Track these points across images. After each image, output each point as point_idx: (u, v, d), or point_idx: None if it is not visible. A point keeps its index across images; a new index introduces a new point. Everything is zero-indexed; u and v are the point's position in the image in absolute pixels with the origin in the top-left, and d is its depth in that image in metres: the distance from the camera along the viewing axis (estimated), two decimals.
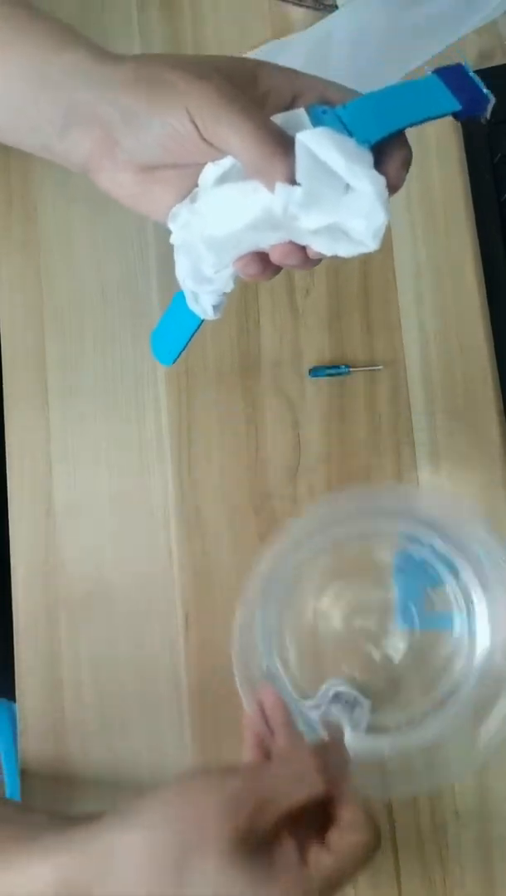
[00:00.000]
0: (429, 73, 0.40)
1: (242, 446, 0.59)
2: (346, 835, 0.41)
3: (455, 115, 0.40)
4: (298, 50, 0.63)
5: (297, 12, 0.65)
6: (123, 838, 0.40)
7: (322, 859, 0.40)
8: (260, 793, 0.40)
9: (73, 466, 0.60)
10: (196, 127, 0.38)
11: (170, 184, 0.41)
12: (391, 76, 0.62)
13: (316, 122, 0.39)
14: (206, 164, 0.40)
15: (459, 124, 0.62)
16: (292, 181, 0.37)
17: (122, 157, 0.40)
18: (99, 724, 0.57)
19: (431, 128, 0.62)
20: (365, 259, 0.61)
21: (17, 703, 0.58)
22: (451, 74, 0.40)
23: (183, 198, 0.42)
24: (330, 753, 0.43)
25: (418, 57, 0.62)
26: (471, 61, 0.63)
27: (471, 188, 0.61)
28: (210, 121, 0.37)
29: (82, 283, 0.62)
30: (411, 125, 0.39)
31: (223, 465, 0.59)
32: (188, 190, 0.41)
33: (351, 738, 0.48)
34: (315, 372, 0.60)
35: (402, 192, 0.61)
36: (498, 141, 0.60)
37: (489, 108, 0.39)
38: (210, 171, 0.40)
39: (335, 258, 0.39)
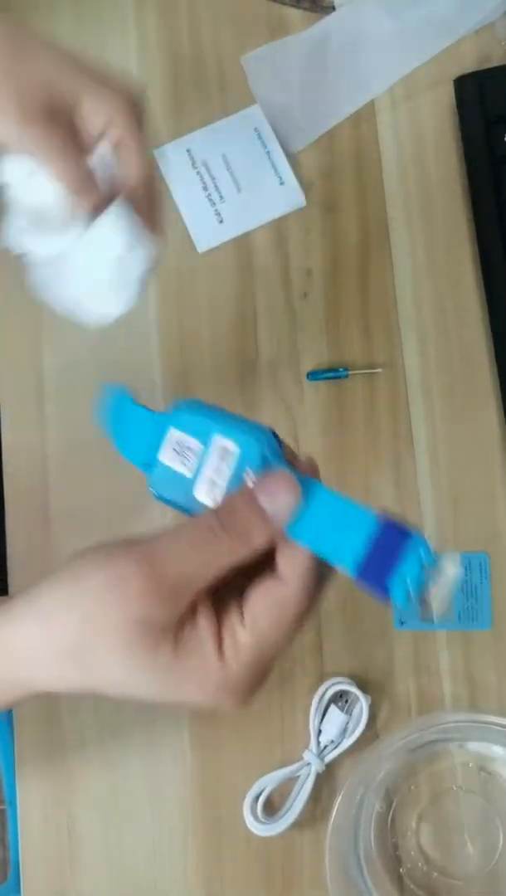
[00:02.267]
0: (377, 515, 0.33)
1: None
2: (270, 601, 0.34)
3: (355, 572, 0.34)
4: (296, 52, 0.63)
5: (294, 14, 0.65)
6: (21, 632, 0.35)
7: (239, 639, 0.34)
8: (179, 564, 0.34)
9: (70, 472, 0.60)
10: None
11: None
12: (388, 78, 0.62)
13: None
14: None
15: (458, 124, 0.62)
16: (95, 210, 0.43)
17: None
18: (97, 728, 0.57)
19: (429, 127, 0.63)
20: (363, 262, 0.61)
21: (13, 708, 0.58)
22: (392, 539, 0.33)
23: None
24: (274, 486, 0.34)
25: (415, 59, 0.62)
26: (469, 63, 0.63)
27: (470, 189, 0.61)
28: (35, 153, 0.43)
29: None
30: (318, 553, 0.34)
31: None
32: None
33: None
34: (313, 375, 0.59)
35: (401, 194, 0.62)
36: (496, 141, 0.60)
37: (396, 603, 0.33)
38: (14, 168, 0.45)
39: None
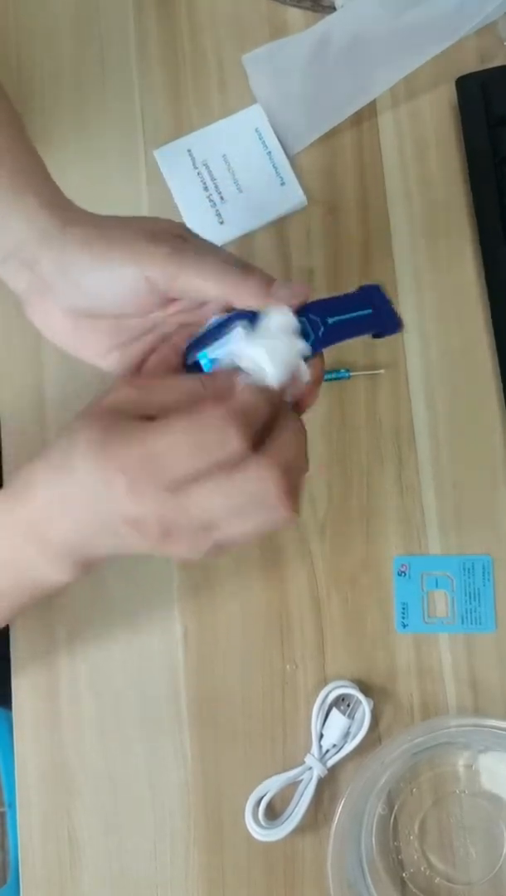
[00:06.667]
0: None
1: None
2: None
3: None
4: (297, 52, 0.62)
5: (295, 13, 0.64)
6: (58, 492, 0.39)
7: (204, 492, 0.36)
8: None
9: None
10: (150, 283, 0.40)
11: (102, 332, 0.43)
12: (389, 78, 0.61)
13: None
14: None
15: (460, 124, 0.61)
16: (266, 293, 0.40)
17: (55, 300, 0.42)
18: (97, 733, 0.56)
19: (431, 127, 0.62)
20: (365, 263, 0.61)
21: (13, 711, 0.57)
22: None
23: (113, 346, 0.43)
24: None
25: (416, 59, 0.61)
26: (471, 63, 0.63)
27: (472, 189, 0.61)
28: (170, 276, 0.40)
29: None
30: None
31: None
32: (120, 340, 0.43)
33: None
34: None
35: (402, 194, 0.61)
36: (499, 142, 0.60)
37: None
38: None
39: None
